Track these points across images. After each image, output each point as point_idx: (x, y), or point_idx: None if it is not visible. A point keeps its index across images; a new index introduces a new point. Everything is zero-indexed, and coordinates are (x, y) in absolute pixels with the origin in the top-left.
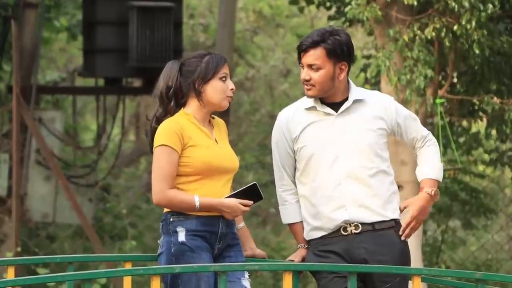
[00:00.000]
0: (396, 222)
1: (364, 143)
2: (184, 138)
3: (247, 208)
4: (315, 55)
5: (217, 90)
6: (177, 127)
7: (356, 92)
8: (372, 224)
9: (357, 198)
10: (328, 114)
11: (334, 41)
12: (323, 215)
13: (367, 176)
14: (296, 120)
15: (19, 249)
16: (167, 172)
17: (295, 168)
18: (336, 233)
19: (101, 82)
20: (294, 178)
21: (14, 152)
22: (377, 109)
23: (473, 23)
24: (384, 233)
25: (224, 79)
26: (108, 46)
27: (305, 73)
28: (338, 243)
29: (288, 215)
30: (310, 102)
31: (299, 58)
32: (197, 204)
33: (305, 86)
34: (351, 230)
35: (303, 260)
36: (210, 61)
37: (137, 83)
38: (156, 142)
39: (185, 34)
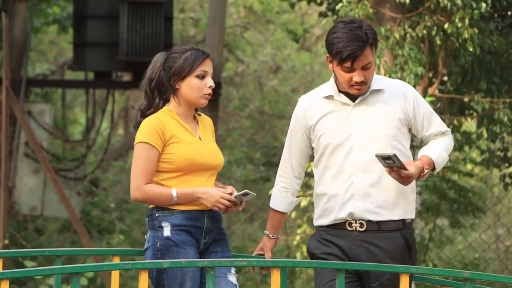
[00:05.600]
0: (404, 224)
1: (379, 136)
2: (166, 135)
3: (226, 196)
4: (367, 55)
5: (193, 88)
6: (158, 124)
7: (375, 81)
8: (378, 223)
9: (366, 192)
10: (345, 104)
11: (371, 32)
12: (332, 204)
13: (380, 170)
14: (313, 108)
15: (6, 241)
16: (145, 168)
17: (304, 158)
18: (341, 226)
19: (91, 75)
20: (299, 169)
21: (3, 144)
22: (396, 99)
23: (466, 21)
24: (388, 236)
25: (201, 76)
26: (99, 40)
27: (359, 75)
28: (342, 238)
29: (273, 200)
30: (328, 90)
31: (352, 65)
32: (174, 194)
33: (356, 87)
34: (355, 227)
35: (268, 251)
36: (188, 57)
37: (127, 77)
38: (137, 138)
39: (176, 29)
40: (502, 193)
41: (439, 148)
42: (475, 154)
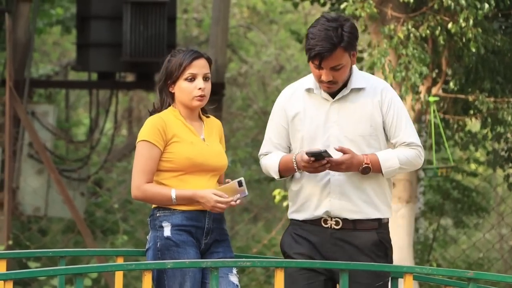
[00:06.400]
0: (380, 224)
1: (356, 134)
2: (167, 134)
3: (222, 199)
4: (336, 57)
5: (182, 91)
6: (159, 122)
7: (356, 79)
8: (354, 222)
9: (342, 190)
10: (325, 99)
11: (348, 35)
12: (308, 202)
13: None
14: (294, 100)
15: (10, 242)
16: (146, 167)
17: (284, 146)
18: (316, 222)
19: (94, 76)
20: (282, 150)
21: (7, 145)
22: (375, 99)
23: (471, 21)
24: (364, 235)
25: (190, 79)
26: (102, 40)
27: (327, 75)
28: (316, 234)
29: (270, 167)
30: (309, 83)
31: (319, 64)
32: (173, 196)
33: (325, 85)
34: (331, 224)
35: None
36: (176, 62)
37: (130, 77)
38: (139, 137)
39: (179, 29)
40: (506, 192)
41: (392, 154)
42: (479, 154)
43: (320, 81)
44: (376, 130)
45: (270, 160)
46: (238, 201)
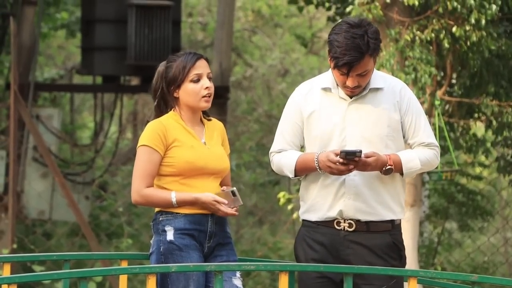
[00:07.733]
0: (393, 225)
1: (373, 135)
2: (168, 139)
3: (221, 207)
4: (363, 64)
5: (189, 93)
6: (160, 127)
7: (375, 79)
8: (367, 224)
9: (357, 191)
10: (342, 99)
11: (374, 41)
12: (321, 201)
13: None
14: (310, 99)
15: (15, 246)
16: (145, 171)
17: (297, 144)
18: (329, 224)
19: (99, 80)
20: (294, 148)
21: (11, 149)
22: (394, 99)
23: (483, 21)
24: (377, 237)
25: (195, 80)
26: (107, 44)
27: (353, 81)
28: (329, 237)
29: (285, 166)
30: (326, 81)
31: (347, 72)
32: (174, 200)
33: (349, 90)
34: (344, 227)
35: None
36: (178, 65)
37: (135, 81)
38: (139, 142)
39: (184, 33)
40: (510, 196)
41: (413, 154)
42: (483, 157)
43: (344, 86)
44: (393, 131)
45: (286, 158)
46: (234, 209)
